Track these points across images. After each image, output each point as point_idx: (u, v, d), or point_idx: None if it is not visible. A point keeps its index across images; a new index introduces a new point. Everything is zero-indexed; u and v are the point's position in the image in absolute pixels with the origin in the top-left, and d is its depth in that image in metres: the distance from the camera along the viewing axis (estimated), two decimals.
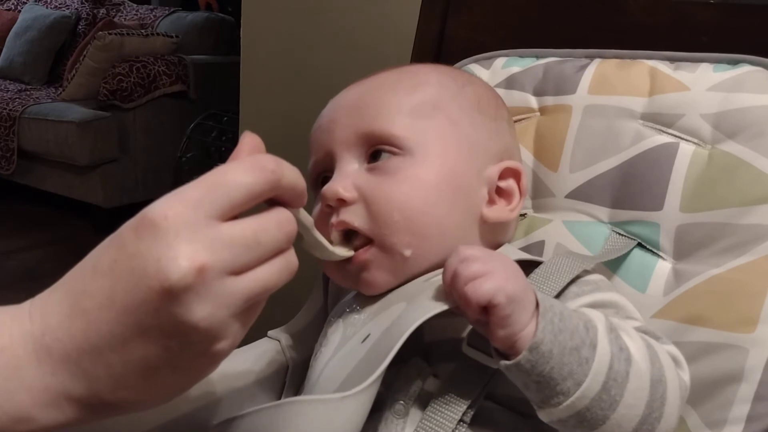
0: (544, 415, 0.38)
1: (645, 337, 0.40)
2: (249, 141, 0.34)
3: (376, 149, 0.46)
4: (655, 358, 0.39)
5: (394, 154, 0.46)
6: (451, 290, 0.38)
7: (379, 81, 0.50)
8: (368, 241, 0.46)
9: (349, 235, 0.46)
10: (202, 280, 0.28)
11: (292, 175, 0.33)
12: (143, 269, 0.29)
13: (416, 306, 0.41)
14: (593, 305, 0.43)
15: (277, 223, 0.32)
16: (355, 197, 0.45)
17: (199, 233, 0.29)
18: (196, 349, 0.30)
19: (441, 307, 0.39)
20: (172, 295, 0.28)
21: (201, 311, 0.29)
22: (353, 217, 0.45)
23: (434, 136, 0.47)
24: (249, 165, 0.31)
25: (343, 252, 0.45)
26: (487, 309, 0.36)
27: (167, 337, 0.29)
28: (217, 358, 0.31)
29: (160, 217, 0.29)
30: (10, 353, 0.30)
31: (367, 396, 0.37)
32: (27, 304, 0.32)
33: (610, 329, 0.38)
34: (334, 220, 0.46)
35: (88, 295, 0.30)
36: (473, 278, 0.36)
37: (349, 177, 0.46)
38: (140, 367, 0.30)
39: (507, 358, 0.37)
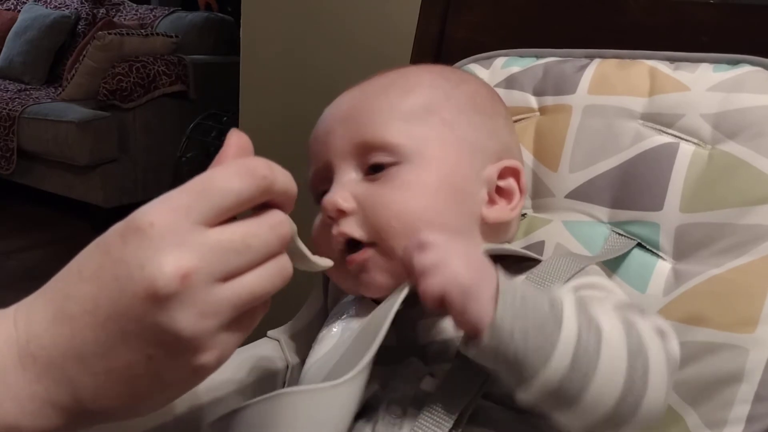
0: (521, 397, 0.38)
1: (622, 310, 0.39)
2: (236, 141, 0.33)
3: (373, 160, 0.46)
4: (631, 328, 0.38)
5: (391, 162, 0.46)
6: (409, 274, 0.39)
7: (371, 87, 0.50)
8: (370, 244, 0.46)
9: (353, 245, 0.46)
10: (186, 288, 0.28)
11: (284, 180, 0.32)
12: (128, 276, 0.28)
13: (391, 296, 0.42)
14: (579, 288, 0.43)
15: (268, 226, 0.31)
16: (354, 208, 0.45)
17: (186, 240, 0.28)
18: (180, 359, 0.29)
19: (404, 289, 0.40)
20: (156, 302, 0.28)
21: (185, 319, 0.28)
22: (353, 227, 0.45)
23: (430, 139, 0.47)
24: (240, 170, 0.30)
25: (324, 262, 0.41)
26: (443, 301, 0.36)
27: (151, 345, 0.29)
28: (201, 372, 0.31)
29: (146, 223, 0.29)
30: None
31: (356, 384, 0.37)
32: (11, 310, 0.31)
33: (577, 304, 0.38)
34: (335, 231, 0.46)
35: (73, 301, 0.29)
36: (426, 271, 0.37)
37: (347, 187, 0.46)
38: (124, 375, 0.29)
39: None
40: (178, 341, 0.29)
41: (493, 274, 0.37)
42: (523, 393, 0.37)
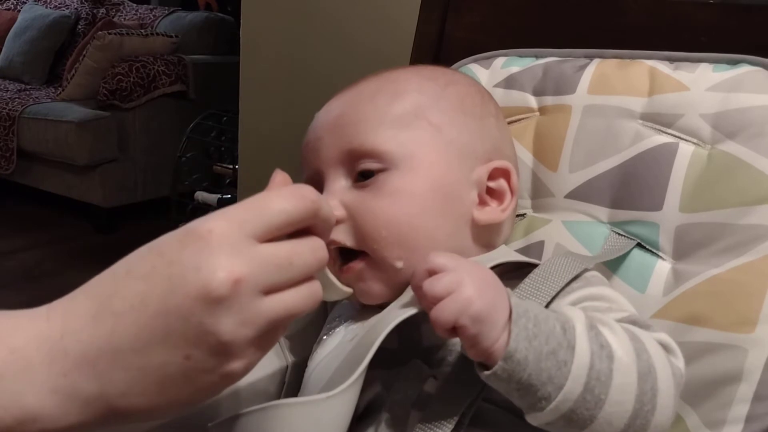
0: (531, 419, 0.38)
1: (631, 328, 0.40)
2: (280, 179, 0.36)
3: (362, 166, 0.46)
4: (642, 350, 0.38)
5: (379, 168, 0.46)
6: (419, 299, 0.39)
7: (359, 93, 0.50)
8: (364, 254, 0.46)
9: (346, 252, 0.46)
10: (235, 293, 0.30)
11: (328, 208, 0.35)
12: (182, 276, 0.30)
13: (396, 306, 0.42)
14: (583, 299, 0.44)
15: (311, 248, 0.34)
16: (343, 216, 0.45)
17: (240, 249, 0.31)
18: (213, 363, 0.31)
19: (412, 310, 0.40)
20: (206, 303, 0.30)
21: (227, 325, 0.30)
22: (344, 236, 0.45)
23: (418, 145, 0.47)
24: (293, 193, 0.33)
25: (347, 289, 0.43)
26: (455, 329, 0.36)
27: (190, 345, 0.30)
28: (228, 379, 0.32)
29: (205, 230, 0.31)
30: (22, 354, 0.30)
31: (350, 394, 0.38)
32: (44, 308, 0.32)
33: (589, 327, 0.38)
34: None
35: (119, 298, 0.31)
36: (437, 299, 0.36)
37: (337, 195, 0.46)
38: (157, 373, 0.30)
39: (487, 368, 0.37)
40: (217, 344, 0.30)
41: (505, 297, 0.38)
42: (533, 416, 0.38)
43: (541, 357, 0.36)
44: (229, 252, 0.30)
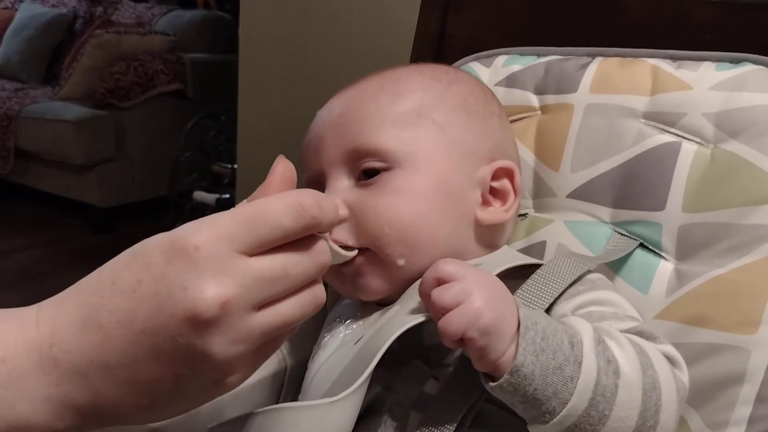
0: (534, 431, 0.38)
1: (637, 340, 0.40)
2: (281, 171, 0.34)
3: (365, 165, 0.46)
4: (648, 365, 0.38)
5: (383, 167, 0.45)
6: (427, 307, 0.39)
7: (362, 92, 0.49)
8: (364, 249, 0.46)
9: (348, 250, 0.46)
10: (225, 314, 0.29)
11: (331, 217, 0.32)
12: (168, 296, 0.29)
13: (403, 311, 0.42)
14: (588, 303, 0.43)
15: (309, 255, 0.32)
16: (346, 214, 0.45)
17: (228, 267, 0.29)
18: (205, 378, 0.30)
19: (420, 318, 0.39)
20: (194, 325, 0.29)
21: (218, 345, 0.29)
22: (346, 235, 0.45)
23: (421, 144, 0.46)
24: (292, 207, 0.30)
25: (350, 253, 0.43)
26: (462, 340, 0.36)
27: (180, 364, 0.29)
28: (223, 390, 0.32)
29: (191, 247, 0.29)
30: (13, 363, 0.30)
31: (354, 399, 0.38)
32: (33, 311, 0.31)
33: (597, 341, 0.38)
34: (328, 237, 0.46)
35: (106, 311, 0.30)
36: (446, 310, 0.36)
37: (339, 194, 0.46)
38: (147, 387, 0.30)
39: (493, 378, 0.37)
40: (208, 364, 0.29)
41: (513, 308, 0.37)
42: (536, 428, 0.38)
43: (548, 372, 0.36)
44: (216, 271, 0.29)
